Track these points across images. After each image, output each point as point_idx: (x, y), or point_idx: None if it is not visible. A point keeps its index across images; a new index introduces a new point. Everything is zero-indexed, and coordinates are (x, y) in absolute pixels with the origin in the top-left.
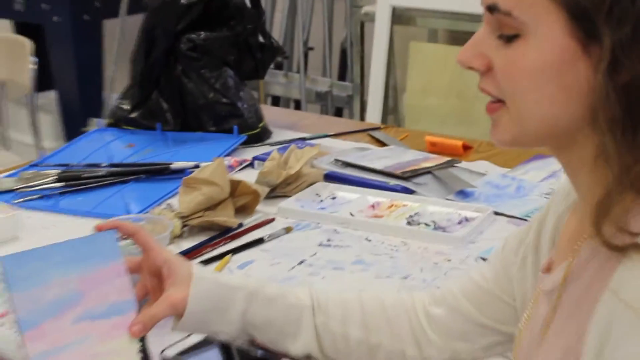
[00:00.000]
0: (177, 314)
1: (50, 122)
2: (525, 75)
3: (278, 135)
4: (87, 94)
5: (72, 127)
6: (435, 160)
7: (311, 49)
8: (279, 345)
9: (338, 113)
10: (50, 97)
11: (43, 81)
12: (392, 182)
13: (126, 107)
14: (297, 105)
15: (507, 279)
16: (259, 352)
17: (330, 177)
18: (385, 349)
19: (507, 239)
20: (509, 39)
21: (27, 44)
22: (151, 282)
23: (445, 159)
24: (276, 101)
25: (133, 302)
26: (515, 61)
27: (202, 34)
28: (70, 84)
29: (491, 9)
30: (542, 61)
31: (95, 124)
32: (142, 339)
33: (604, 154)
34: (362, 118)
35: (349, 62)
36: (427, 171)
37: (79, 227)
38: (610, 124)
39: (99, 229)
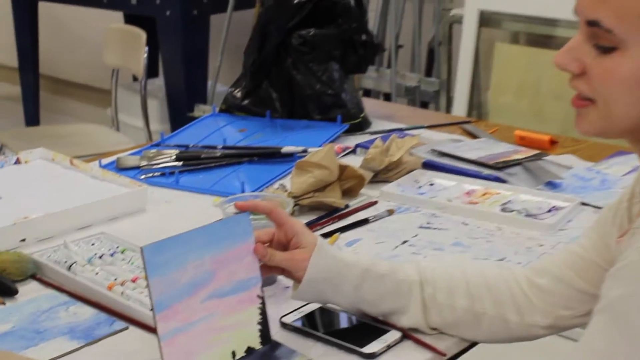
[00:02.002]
0: (294, 270)
1: (156, 106)
2: (619, 82)
3: (377, 125)
4: (192, 82)
5: (177, 112)
6: (524, 152)
7: (401, 46)
8: (389, 318)
9: (424, 107)
10: (155, 84)
11: (150, 68)
12: (486, 171)
13: (238, 95)
14: (387, 98)
15: (605, 247)
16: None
17: (428, 165)
18: (489, 315)
19: (602, 212)
20: (606, 50)
21: (142, 35)
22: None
23: (534, 151)
24: (367, 94)
25: (258, 277)
26: (611, 70)
27: (312, 31)
28: (177, 73)
29: (591, 24)
30: (637, 72)
31: (200, 109)
32: (262, 310)
33: None
34: (448, 112)
35: (436, 60)
36: (517, 162)
37: (198, 202)
38: None
39: (239, 208)
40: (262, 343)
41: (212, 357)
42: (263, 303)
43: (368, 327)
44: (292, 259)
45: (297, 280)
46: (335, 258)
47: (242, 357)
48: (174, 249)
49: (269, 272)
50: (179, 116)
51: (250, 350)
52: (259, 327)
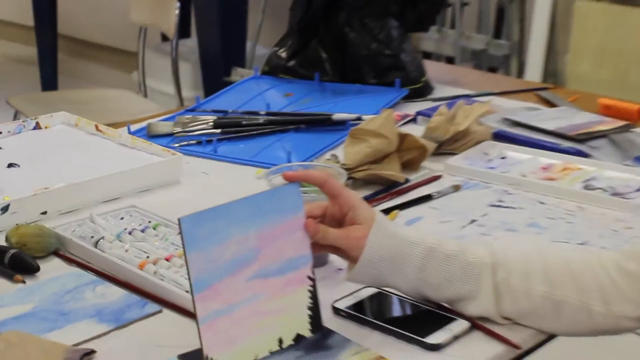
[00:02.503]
0: (349, 249)
1: (188, 70)
2: None
3: (440, 90)
4: (229, 42)
5: (212, 77)
6: (610, 123)
7: (466, 4)
8: (455, 305)
9: (492, 71)
10: (187, 45)
11: (181, 28)
12: (565, 144)
13: (283, 55)
14: (449, 63)
15: None
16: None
17: (499, 136)
18: (570, 304)
19: None
20: None
21: None
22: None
23: (621, 122)
24: (427, 57)
25: (309, 256)
26: None
27: None
28: (213, 32)
29: None
30: None
31: (238, 73)
32: (313, 293)
33: None
34: (519, 76)
35: (506, 20)
36: (602, 134)
37: (238, 174)
38: None
39: (288, 179)
40: (313, 330)
41: (257, 343)
42: (314, 285)
43: (432, 315)
44: (347, 237)
45: (353, 260)
46: (397, 235)
47: (290, 346)
48: (215, 221)
49: (321, 251)
50: (214, 81)
51: (299, 338)
52: (309, 312)
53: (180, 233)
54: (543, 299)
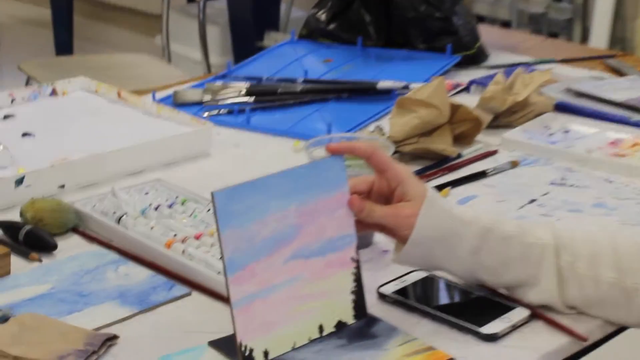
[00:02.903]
0: (398, 228)
1: (217, 34)
2: None
3: (496, 57)
4: (262, 4)
5: (243, 42)
6: None
7: None
8: (514, 291)
9: (553, 37)
10: (216, 7)
11: None
12: (635, 117)
13: (322, 17)
14: (505, 27)
15: None
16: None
17: (561, 108)
18: None
19: None
20: None
21: None
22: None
23: None
24: (480, 21)
25: (353, 236)
26: None
27: None
28: None
29: None
30: None
31: (272, 38)
32: (357, 276)
33: None
34: (583, 43)
35: None
36: None
37: (273, 146)
38: None
39: (331, 151)
40: (356, 317)
41: (295, 330)
42: (358, 268)
43: (487, 303)
44: (396, 215)
45: (402, 240)
46: (450, 214)
47: (331, 333)
48: (252, 196)
49: (366, 230)
50: (245, 46)
51: (341, 325)
52: (353, 297)
53: (214, 209)
54: (612, 287)
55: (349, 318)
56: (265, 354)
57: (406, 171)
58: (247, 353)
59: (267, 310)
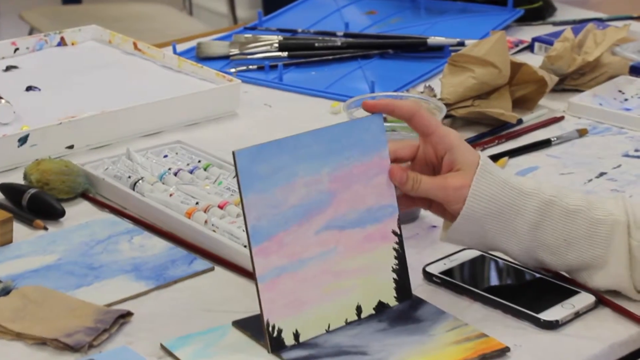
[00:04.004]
0: (447, 202)
1: None
2: None
3: (564, 12)
4: None
5: None
6: None
7: None
8: (577, 274)
9: None
10: None
11: None
12: None
13: None
14: None
15: None
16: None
17: (638, 70)
18: None
19: None
20: None
21: None
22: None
23: None
24: None
25: (394, 206)
26: None
27: None
28: None
29: None
30: None
31: None
32: (400, 253)
33: None
34: None
35: None
36: None
37: (309, 106)
38: None
39: (368, 108)
40: (399, 298)
41: (329, 310)
42: (401, 243)
43: (548, 286)
44: (444, 187)
45: (451, 215)
46: (507, 184)
47: (371, 316)
48: (279, 156)
49: (411, 206)
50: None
51: (381, 307)
52: (394, 275)
53: (235, 170)
54: None
55: (391, 299)
56: (296, 335)
57: (455, 136)
58: (275, 334)
59: (297, 286)
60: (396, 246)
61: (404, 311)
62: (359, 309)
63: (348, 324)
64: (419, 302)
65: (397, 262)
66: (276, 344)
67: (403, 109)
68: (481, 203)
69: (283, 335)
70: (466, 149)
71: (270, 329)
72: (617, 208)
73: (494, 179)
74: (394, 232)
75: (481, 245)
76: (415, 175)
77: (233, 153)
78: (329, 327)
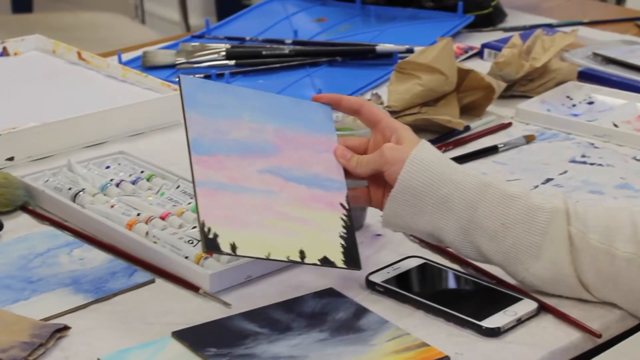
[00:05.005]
0: (388, 172)
1: None
2: None
3: (514, 18)
4: None
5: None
6: None
7: None
8: (516, 267)
9: None
10: None
11: None
12: None
13: None
14: None
15: None
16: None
17: (586, 76)
18: None
19: None
20: None
21: None
22: None
23: None
24: None
25: (342, 183)
26: None
27: None
28: None
29: None
30: None
31: None
32: (348, 226)
33: None
34: (619, 4)
35: None
36: None
37: None
38: None
39: (316, 99)
40: (347, 263)
41: (272, 241)
42: (349, 217)
43: (490, 294)
44: (383, 157)
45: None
46: (447, 161)
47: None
48: (223, 96)
49: (358, 189)
50: (230, 5)
51: (327, 262)
52: (342, 242)
53: (180, 92)
54: (629, 263)
55: (338, 260)
56: (233, 247)
57: (399, 123)
58: (210, 235)
59: (238, 207)
60: (344, 218)
61: (346, 320)
62: (302, 253)
63: (291, 262)
64: (362, 311)
65: (345, 231)
66: (211, 245)
67: (351, 101)
68: (419, 172)
69: (219, 240)
70: (408, 131)
71: (205, 229)
72: (557, 197)
73: (435, 153)
74: (342, 205)
75: (419, 224)
76: (358, 156)
77: (179, 77)
78: (269, 255)
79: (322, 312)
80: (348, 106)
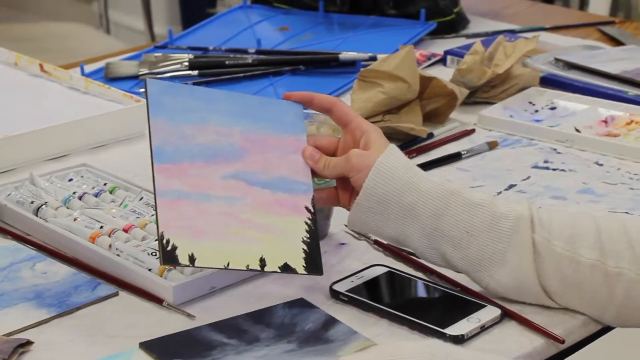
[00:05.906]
0: (355, 178)
1: (162, 0)
2: None
3: (477, 25)
4: None
5: (193, 8)
6: None
7: None
8: (477, 271)
9: (548, 2)
10: None
11: None
12: (632, 91)
13: None
14: None
15: None
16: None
17: (548, 81)
18: (627, 278)
19: None
20: None
21: None
22: None
23: None
24: None
25: (309, 185)
26: None
27: None
28: None
29: None
30: None
31: (226, 4)
32: (312, 230)
33: None
34: (582, 10)
35: None
36: None
37: None
38: None
39: (287, 98)
40: (308, 269)
41: (231, 251)
42: (314, 220)
43: (454, 301)
44: (348, 158)
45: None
46: (413, 168)
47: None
48: (191, 100)
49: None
50: (195, 14)
51: (288, 268)
52: (304, 247)
53: (146, 96)
54: (593, 269)
55: (299, 266)
56: (192, 259)
57: (370, 124)
58: (168, 248)
59: (198, 216)
60: (309, 222)
61: (315, 331)
62: (262, 262)
63: (250, 270)
64: (332, 322)
65: (308, 235)
66: (169, 257)
67: (323, 100)
68: (385, 177)
69: (177, 252)
70: (380, 134)
71: (164, 241)
72: (521, 205)
73: (401, 160)
74: (307, 209)
75: (385, 230)
76: (327, 158)
77: (145, 81)
78: (228, 264)
79: (291, 322)
80: (320, 104)
